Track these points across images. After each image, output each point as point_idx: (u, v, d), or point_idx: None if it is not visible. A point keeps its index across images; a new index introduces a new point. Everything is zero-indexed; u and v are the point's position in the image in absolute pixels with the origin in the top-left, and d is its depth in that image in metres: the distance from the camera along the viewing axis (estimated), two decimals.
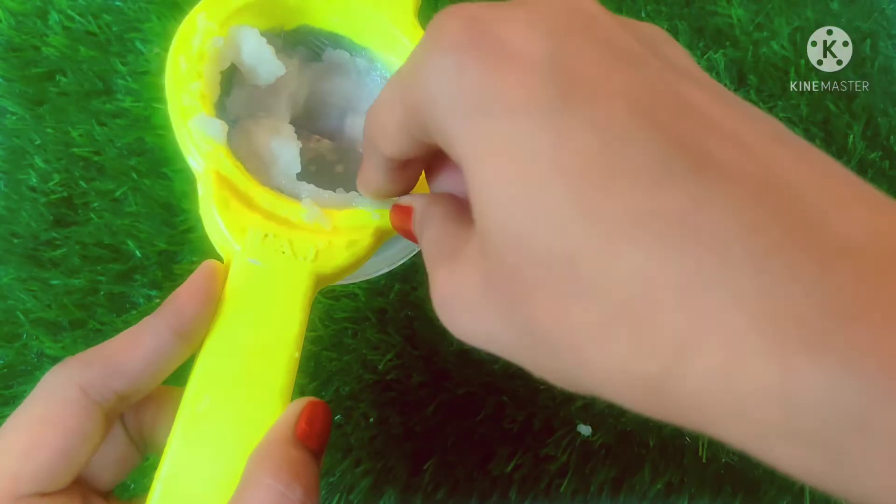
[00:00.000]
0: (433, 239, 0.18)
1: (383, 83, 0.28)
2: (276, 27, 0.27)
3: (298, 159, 0.26)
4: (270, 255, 0.22)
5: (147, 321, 0.21)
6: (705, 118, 0.13)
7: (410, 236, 0.21)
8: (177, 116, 0.23)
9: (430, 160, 0.21)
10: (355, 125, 0.29)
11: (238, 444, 0.20)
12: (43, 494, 0.19)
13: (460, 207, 0.19)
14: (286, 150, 0.26)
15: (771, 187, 0.12)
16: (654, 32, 0.16)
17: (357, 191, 0.24)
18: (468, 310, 0.16)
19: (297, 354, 0.21)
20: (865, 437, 0.10)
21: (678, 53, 0.16)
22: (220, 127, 0.23)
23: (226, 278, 0.22)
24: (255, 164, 0.26)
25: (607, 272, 0.12)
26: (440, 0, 0.41)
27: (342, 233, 0.23)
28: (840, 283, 0.11)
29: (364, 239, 0.24)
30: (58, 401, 0.19)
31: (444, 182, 0.21)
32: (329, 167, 0.29)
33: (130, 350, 0.20)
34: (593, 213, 0.12)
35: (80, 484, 0.21)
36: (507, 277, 0.14)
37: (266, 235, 0.22)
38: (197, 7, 0.25)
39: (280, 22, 0.27)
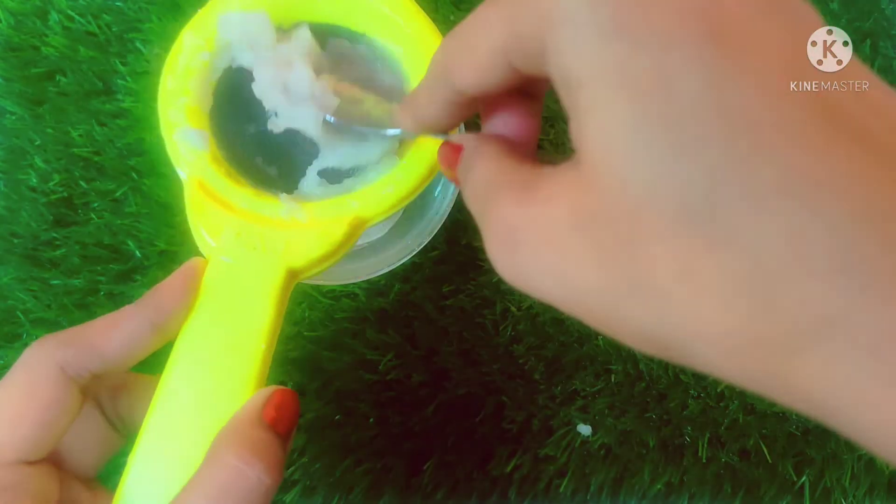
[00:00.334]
0: (490, 173, 0.17)
1: (387, 68, 0.28)
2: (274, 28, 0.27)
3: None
4: (241, 252, 0.24)
5: (127, 310, 0.22)
6: (860, 93, 0.12)
7: (454, 178, 0.20)
8: (164, 131, 0.25)
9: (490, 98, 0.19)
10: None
11: (207, 430, 0.21)
12: (25, 462, 0.21)
13: (514, 148, 0.18)
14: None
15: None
16: None
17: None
18: (546, 244, 0.14)
19: (264, 347, 0.23)
20: None
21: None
22: (203, 137, 0.25)
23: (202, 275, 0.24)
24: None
25: (752, 228, 0.11)
26: (440, 3, 0.41)
27: (317, 225, 0.24)
28: None
29: (339, 229, 0.24)
30: (39, 376, 0.21)
31: (499, 122, 0.19)
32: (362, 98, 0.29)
33: (108, 335, 0.22)
34: (744, 167, 0.11)
35: (55, 460, 0.22)
36: (624, 218, 0.13)
37: (240, 233, 0.24)
38: (186, 26, 0.27)
39: (276, 23, 0.27)
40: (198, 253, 0.25)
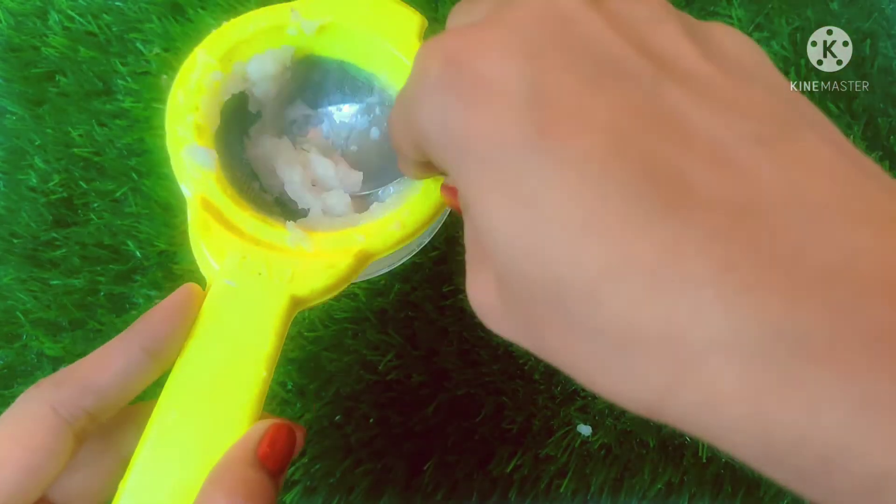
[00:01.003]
0: (469, 234, 0.19)
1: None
2: (282, 60, 0.28)
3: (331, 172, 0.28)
4: (246, 277, 0.23)
5: (119, 339, 0.21)
6: (686, 132, 0.13)
7: (460, 212, 0.22)
8: (172, 147, 0.25)
9: None
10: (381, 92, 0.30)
11: (201, 460, 0.21)
12: None
13: None
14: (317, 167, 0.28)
15: (746, 214, 0.12)
16: (639, 9, 0.15)
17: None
18: (493, 315, 0.16)
19: (265, 374, 0.22)
20: (831, 474, 0.11)
21: (664, 26, 0.15)
22: (210, 155, 0.25)
23: (203, 301, 0.23)
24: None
25: (597, 316, 0.13)
26: (440, 3, 0.41)
27: (323, 255, 0.24)
28: (808, 323, 0.11)
29: (344, 261, 0.24)
30: (27, 419, 0.20)
31: None
32: (364, 136, 0.30)
33: (101, 368, 0.21)
34: (579, 262, 0.12)
35: (46, 501, 0.21)
36: (520, 305, 0.15)
37: (244, 257, 0.23)
38: (200, 44, 0.27)
39: (280, 44, 0.28)
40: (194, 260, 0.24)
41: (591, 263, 0.12)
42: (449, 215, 0.34)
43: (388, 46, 0.27)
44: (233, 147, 0.28)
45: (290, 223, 0.25)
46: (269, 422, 0.21)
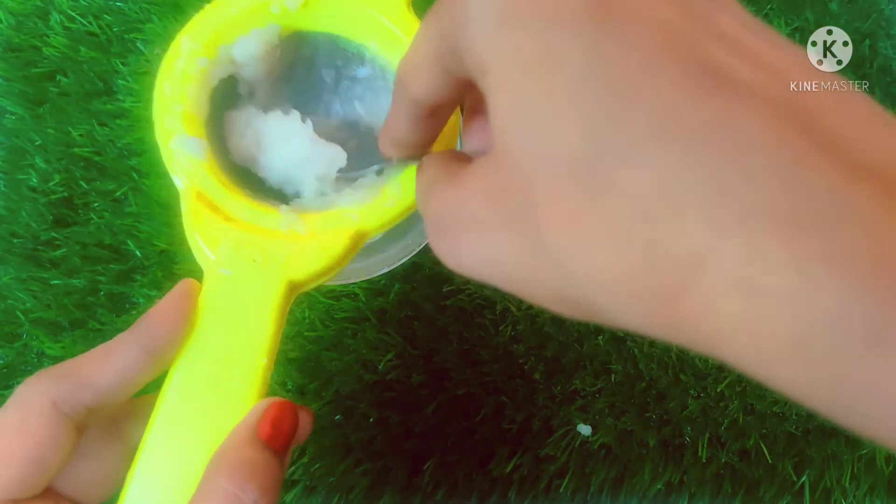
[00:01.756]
0: (431, 174, 0.18)
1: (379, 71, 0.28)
2: (268, 39, 0.28)
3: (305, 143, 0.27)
4: (241, 265, 0.23)
5: (120, 338, 0.22)
6: (734, 43, 0.13)
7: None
8: (161, 138, 0.25)
9: (463, 110, 0.21)
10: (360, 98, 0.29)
11: (206, 448, 0.21)
12: (14, 501, 0.20)
13: (461, 155, 0.20)
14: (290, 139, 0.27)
15: (795, 108, 0.12)
16: None
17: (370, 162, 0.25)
18: (470, 225, 0.16)
19: (265, 361, 0.22)
20: (875, 353, 0.10)
21: None
22: (200, 145, 0.25)
23: (199, 293, 0.23)
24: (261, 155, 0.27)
25: (628, 175, 0.12)
26: None
27: (317, 237, 0.24)
28: (864, 199, 0.11)
29: (340, 242, 0.24)
30: (30, 413, 0.20)
31: (474, 141, 0.21)
32: (357, 111, 0.30)
33: (101, 366, 0.21)
34: (619, 121, 0.12)
35: (55, 494, 0.21)
36: (523, 186, 0.14)
37: (239, 245, 0.23)
38: (182, 30, 0.26)
39: (264, 24, 0.27)
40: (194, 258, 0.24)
41: (635, 123, 0.12)
42: None
43: (375, 15, 0.27)
44: (225, 132, 0.27)
45: (284, 206, 0.25)
46: (268, 401, 0.21)
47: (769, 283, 0.11)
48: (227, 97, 0.28)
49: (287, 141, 0.27)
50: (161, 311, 0.22)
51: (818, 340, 0.11)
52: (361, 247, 0.25)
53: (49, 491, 0.21)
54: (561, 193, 0.13)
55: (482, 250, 0.16)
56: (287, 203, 0.25)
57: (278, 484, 0.20)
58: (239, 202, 0.24)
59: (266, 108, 0.28)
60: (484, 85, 0.15)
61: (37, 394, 0.20)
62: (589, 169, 0.13)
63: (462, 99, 0.20)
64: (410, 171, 0.25)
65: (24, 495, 0.20)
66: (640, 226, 0.12)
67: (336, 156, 0.27)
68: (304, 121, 0.27)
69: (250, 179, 0.27)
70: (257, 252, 0.23)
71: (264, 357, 0.22)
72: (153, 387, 0.22)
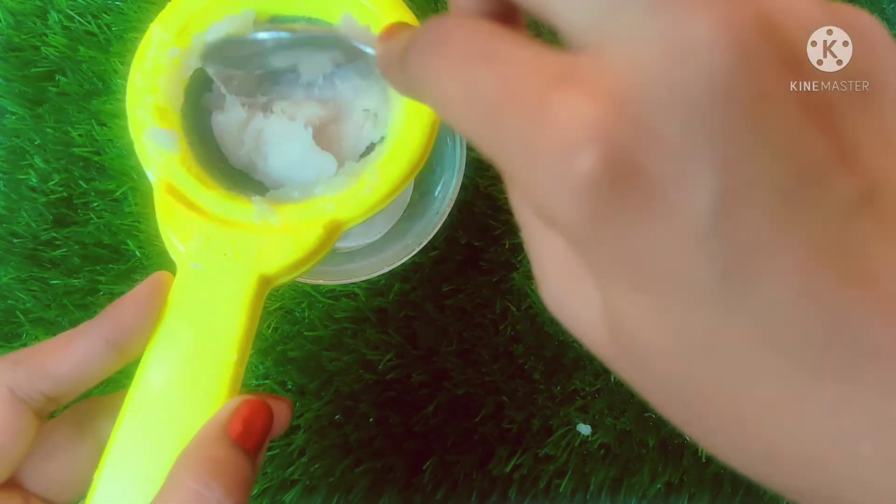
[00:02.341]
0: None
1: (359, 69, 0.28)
2: (243, 27, 0.27)
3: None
4: (211, 258, 0.23)
5: (84, 327, 0.21)
6: (874, 285, 0.11)
7: (389, 63, 0.16)
8: (133, 131, 0.24)
9: None
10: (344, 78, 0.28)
11: (175, 446, 0.20)
12: None
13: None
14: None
15: None
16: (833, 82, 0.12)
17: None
18: (596, 340, 0.15)
19: (236, 357, 0.22)
20: None
21: (866, 111, 0.12)
22: (172, 137, 0.24)
23: (169, 287, 0.22)
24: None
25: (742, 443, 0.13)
26: (439, 2, 0.41)
27: (291, 229, 0.23)
28: None
29: (313, 233, 0.23)
30: None
31: None
32: (335, 93, 0.28)
33: (60, 355, 0.21)
34: (745, 398, 0.12)
35: (23, 491, 0.21)
36: (644, 375, 0.14)
37: (210, 239, 0.23)
38: (154, 20, 0.25)
39: (237, 9, 0.26)
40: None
41: (755, 404, 0.12)
42: (448, 215, 0.34)
43: None
44: (200, 123, 0.27)
45: (257, 197, 0.24)
46: (240, 398, 0.21)
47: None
48: (203, 87, 0.27)
49: (286, 144, 0.26)
50: (128, 302, 0.21)
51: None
52: (338, 237, 0.24)
53: (18, 488, 0.21)
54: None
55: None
56: (263, 195, 0.25)
57: (247, 484, 0.19)
58: (211, 195, 0.24)
59: (241, 94, 0.27)
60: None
61: None
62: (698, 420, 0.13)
63: None
64: (387, 157, 0.24)
65: None
66: (759, 464, 0.13)
67: (327, 165, 0.26)
68: (305, 127, 0.27)
69: (226, 169, 0.27)
70: (228, 245, 0.23)
71: (235, 353, 0.22)
72: (127, 380, 0.22)
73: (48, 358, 0.21)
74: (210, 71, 0.26)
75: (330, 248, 0.24)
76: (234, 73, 0.27)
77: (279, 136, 0.27)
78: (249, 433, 0.20)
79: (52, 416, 0.22)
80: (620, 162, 0.11)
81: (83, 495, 0.22)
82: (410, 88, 0.15)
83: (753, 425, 0.12)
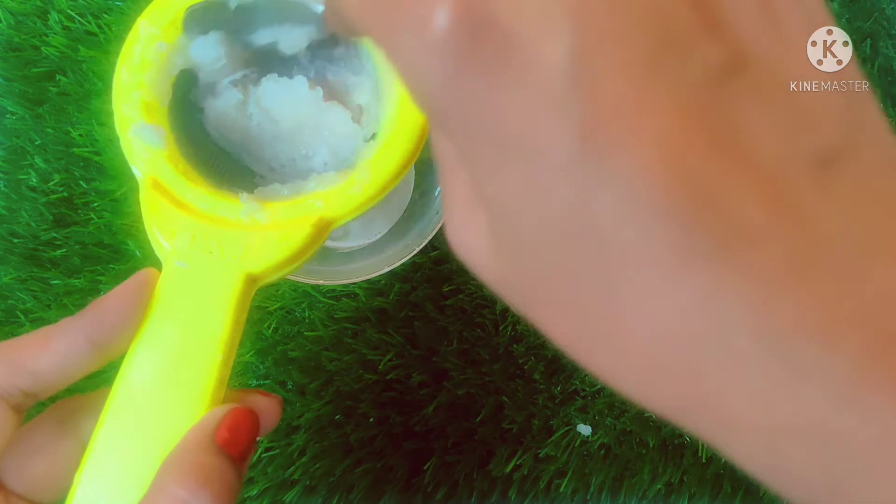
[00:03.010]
0: (454, 173, 0.15)
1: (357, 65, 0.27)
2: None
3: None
4: (196, 257, 0.22)
5: (64, 323, 0.21)
6: (745, 153, 0.11)
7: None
8: (119, 127, 0.24)
9: None
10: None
11: (158, 448, 0.20)
12: None
13: None
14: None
15: (797, 252, 0.11)
16: None
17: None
18: (481, 262, 0.14)
19: (221, 358, 0.21)
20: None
21: None
22: (159, 133, 0.24)
23: (154, 285, 0.22)
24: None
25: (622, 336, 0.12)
26: None
27: (279, 227, 0.23)
28: (844, 372, 0.10)
29: (301, 232, 0.23)
30: None
31: None
32: (326, 51, 0.28)
33: (38, 351, 0.20)
34: (604, 303, 0.12)
35: (4, 490, 0.21)
36: (521, 265, 0.13)
37: (195, 237, 0.22)
38: (142, 14, 0.25)
39: None
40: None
41: (621, 300, 0.11)
42: None
43: None
44: (188, 119, 0.26)
45: (244, 194, 0.24)
46: (227, 407, 0.21)
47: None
48: (191, 83, 0.27)
49: (291, 99, 0.26)
50: (111, 300, 0.21)
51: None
52: (327, 236, 0.24)
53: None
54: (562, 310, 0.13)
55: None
56: (252, 192, 0.24)
57: (233, 493, 0.19)
58: (198, 191, 0.23)
59: (230, 75, 0.27)
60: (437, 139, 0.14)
61: None
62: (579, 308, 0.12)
63: None
64: (379, 154, 0.24)
65: None
66: (634, 369, 0.12)
67: (341, 118, 0.26)
68: (312, 88, 0.26)
69: (219, 168, 0.26)
70: (214, 243, 0.22)
71: (220, 353, 0.21)
72: (114, 374, 0.22)
73: (25, 353, 0.20)
74: (194, 54, 0.26)
75: (318, 246, 0.24)
76: (219, 54, 0.26)
77: (280, 93, 0.26)
78: (236, 441, 0.20)
79: (31, 411, 0.22)
80: (476, 16, 0.11)
81: (64, 494, 0.21)
82: (341, 24, 0.15)
83: (626, 326, 0.12)
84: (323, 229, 0.23)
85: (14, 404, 0.20)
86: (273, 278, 0.23)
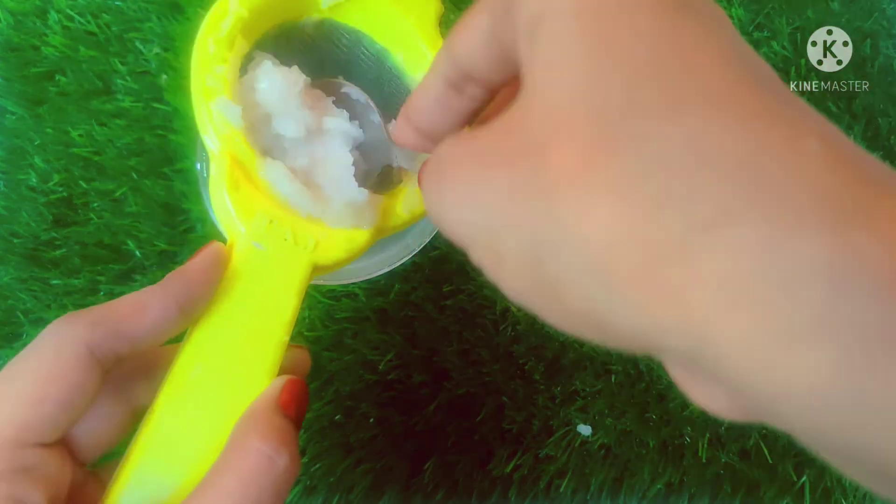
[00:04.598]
0: (447, 146, 0.17)
1: (393, 78, 0.28)
2: (299, 17, 0.27)
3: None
4: (273, 241, 0.23)
5: (153, 290, 0.21)
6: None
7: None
8: (199, 96, 0.24)
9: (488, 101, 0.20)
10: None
11: (223, 414, 0.21)
12: (41, 445, 0.20)
13: None
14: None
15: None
16: None
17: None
18: (465, 161, 0.16)
19: (286, 338, 0.22)
20: None
21: None
22: (239, 113, 0.24)
23: (229, 260, 0.23)
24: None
25: (660, 129, 0.12)
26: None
27: (340, 228, 0.24)
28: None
29: (362, 235, 0.24)
30: (65, 356, 0.20)
31: None
32: (367, 114, 0.29)
33: (138, 317, 0.21)
34: (666, 86, 0.12)
35: (67, 443, 0.21)
36: (538, 123, 0.14)
37: (271, 221, 0.23)
38: None
39: (306, 12, 0.27)
40: (194, 249, 0.24)
41: (683, 89, 0.13)
42: None
43: (406, 23, 0.27)
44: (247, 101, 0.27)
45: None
46: (285, 377, 0.22)
47: (797, 246, 0.11)
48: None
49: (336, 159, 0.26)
50: (196, 271, 0.22)
51: (850, 319, 0.10)
52: (374, 244, 0.25)
53: (66, 437, 0.21)
54: (579, 134, 0.13)
55: (469, 189, 0.15)
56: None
57: (300, 457, 0.20)
58: (275, 178, 0.24)
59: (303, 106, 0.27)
60: (532, 36, 0.15)
61: (71, 337, 0.20)
62: (618, 117, 0.12)
63: (493, 93, 0.19)
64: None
65: (51, 439, 0.20)
66: (655, 177, 0.12)
67: (357, 195, 0.26)
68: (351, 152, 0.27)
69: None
70: (289, 231, 0.23)
71: (285, 334, 0.22)
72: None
73: (126, 320, 0.21)
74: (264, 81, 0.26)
75: (362, 253, 0.25)
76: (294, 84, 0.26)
77: (334, 149, 0.27)
78: (296, 405, 0.21)
79: None
80: None
81: (106, 454, 0.22)
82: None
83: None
84: (375, 237, 0.25)
85: (106, 370, 0.21)
86: (325, 272, 0.24)
